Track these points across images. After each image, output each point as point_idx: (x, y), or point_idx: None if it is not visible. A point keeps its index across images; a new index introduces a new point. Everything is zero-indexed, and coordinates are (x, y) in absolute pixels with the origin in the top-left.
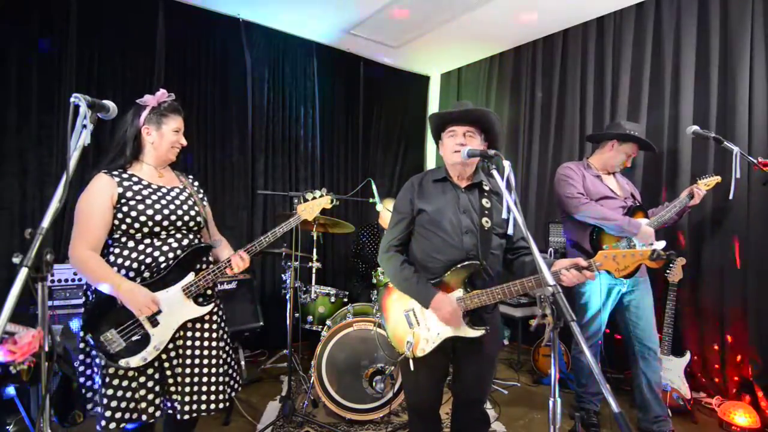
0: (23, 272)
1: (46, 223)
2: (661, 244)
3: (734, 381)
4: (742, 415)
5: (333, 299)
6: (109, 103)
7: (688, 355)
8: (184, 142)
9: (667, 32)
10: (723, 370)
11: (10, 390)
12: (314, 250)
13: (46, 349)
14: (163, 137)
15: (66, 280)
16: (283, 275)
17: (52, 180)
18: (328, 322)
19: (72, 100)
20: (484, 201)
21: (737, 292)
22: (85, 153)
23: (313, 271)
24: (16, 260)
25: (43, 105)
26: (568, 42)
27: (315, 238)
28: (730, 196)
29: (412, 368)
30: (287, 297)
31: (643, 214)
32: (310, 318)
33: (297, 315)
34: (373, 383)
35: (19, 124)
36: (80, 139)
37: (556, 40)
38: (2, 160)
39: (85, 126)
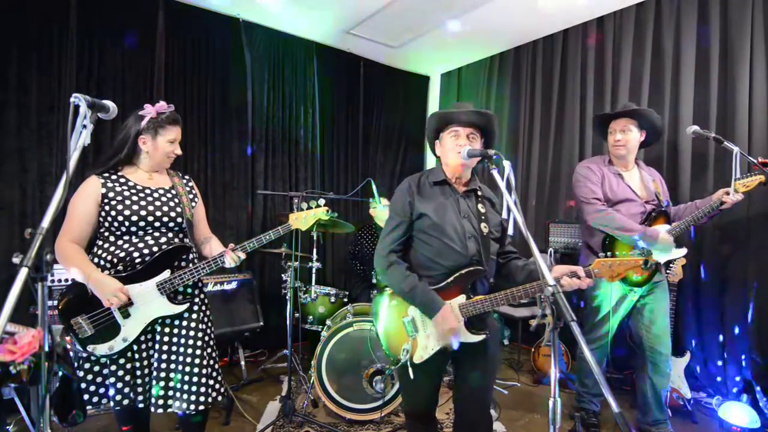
0: (23, 272)
1: (46, 223)
2: (681, 252)
3: (734, 381)
4: (742, 415)
5: (333, 299)
6: (109, 103)
7: (688, 355)
8: (179, 152)
9: (667, 32)
10: (723, 370)
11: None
12: (314, 250)
13: (46, 349)
14: (157, 148)
15: (66, 280)
16: (283, 275)
17: (52, 180)
18: (328, 322)
19: (72, 100)
20: (480, 206)
21: (737, 292)
22: (85, 153)
23: (313, 271)
24: (16, 260)
25: (43, 105)
26: (568, 42)
27: (315, 238)
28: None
29: (411, 376)
30: (287, 297)
31: (665, 219)
32: (310, 318)
33: (297, 315)
34: (373, 383)
35: (19, 124)
36: (80, 139)
37: (556, 40)
38: (2, 160)
39: (85, 126)
